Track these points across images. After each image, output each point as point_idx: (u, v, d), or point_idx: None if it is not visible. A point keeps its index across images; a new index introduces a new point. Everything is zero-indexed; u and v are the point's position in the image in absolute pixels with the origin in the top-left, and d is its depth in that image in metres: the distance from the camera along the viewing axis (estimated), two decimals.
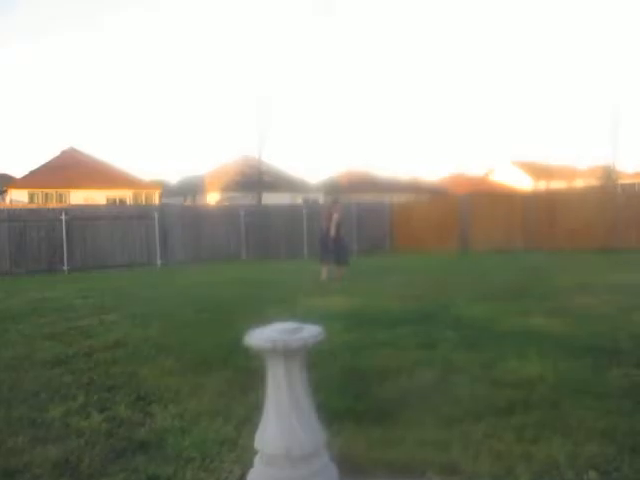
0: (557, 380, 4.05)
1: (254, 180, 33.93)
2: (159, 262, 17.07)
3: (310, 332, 2.25)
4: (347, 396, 3.81)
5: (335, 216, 11.53)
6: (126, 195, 33.62)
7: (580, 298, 7.66)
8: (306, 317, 2.89)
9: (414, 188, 38.76)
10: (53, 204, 26.99)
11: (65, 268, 15.67)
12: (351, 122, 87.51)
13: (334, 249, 11.30)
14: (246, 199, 31.62)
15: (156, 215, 17.45)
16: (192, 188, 40.76)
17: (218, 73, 76.75)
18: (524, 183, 43.91)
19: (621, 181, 33.41)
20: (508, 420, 3.32)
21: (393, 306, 7.58)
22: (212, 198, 36.75)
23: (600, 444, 2.97)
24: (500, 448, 2.96)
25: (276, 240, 18.94)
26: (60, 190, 31.90)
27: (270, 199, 30.79)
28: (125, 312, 7.84)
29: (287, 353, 2.18)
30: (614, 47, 76.08)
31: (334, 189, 39.50)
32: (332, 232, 11.33)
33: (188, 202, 37.54)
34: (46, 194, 32.04)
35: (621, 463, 2.76)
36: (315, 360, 3.20)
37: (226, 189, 36.72)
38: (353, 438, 3.11)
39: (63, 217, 15.95)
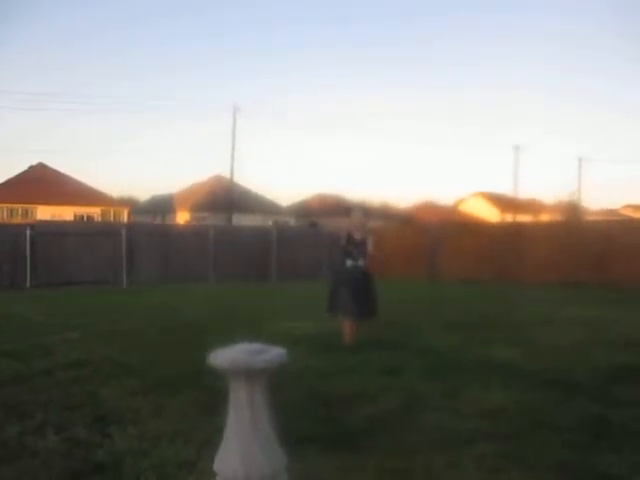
0: (518, 411, 4.10)
1: (225, 201, 33.80)
2: (125, 281, 16.80)
3: (274, 354, 2.25)
4: (310, 421, 3.80)
5: (370, 244, 7.30)
6: (94, 212, 33.15)
7: (543, 330, 7.79)
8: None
9: (384, 215, 39.12)
10: (18, 219, 26.45)
11: (28, 285, 15.31)
12: (324, 146, 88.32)
13: (365, 293, 6.99)
14: (216, 219, 31.46)
15: (124, 233, 17.20)
16: (162, 207, 40.46)
17: (192, 90, 76.99)
18: (492, 215, 44.68)
19: (588, 217, 34.10)
20: (470, 450, 3.34)
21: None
22: (182, 217, 36.50)
23: (557, 476, 3.01)
24: (460, 478, 2.99)
25: (245, 261, 18.81)
26: (26, 205, 31.27)
27: (241, 220, 30.73)
28: (88, 330, 7.69)
29: (250, 374, 2.17)
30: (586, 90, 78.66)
31: (305, 212, 39.66)
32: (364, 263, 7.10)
33: (157, 221, 37.18)
34: (11, 209, 31.39)
35: None
36: (280, 383, 3.19)
37: (196, 209, 36.55)
38: (315, 463, 3.10)
39: (28, 233, 15.62)
